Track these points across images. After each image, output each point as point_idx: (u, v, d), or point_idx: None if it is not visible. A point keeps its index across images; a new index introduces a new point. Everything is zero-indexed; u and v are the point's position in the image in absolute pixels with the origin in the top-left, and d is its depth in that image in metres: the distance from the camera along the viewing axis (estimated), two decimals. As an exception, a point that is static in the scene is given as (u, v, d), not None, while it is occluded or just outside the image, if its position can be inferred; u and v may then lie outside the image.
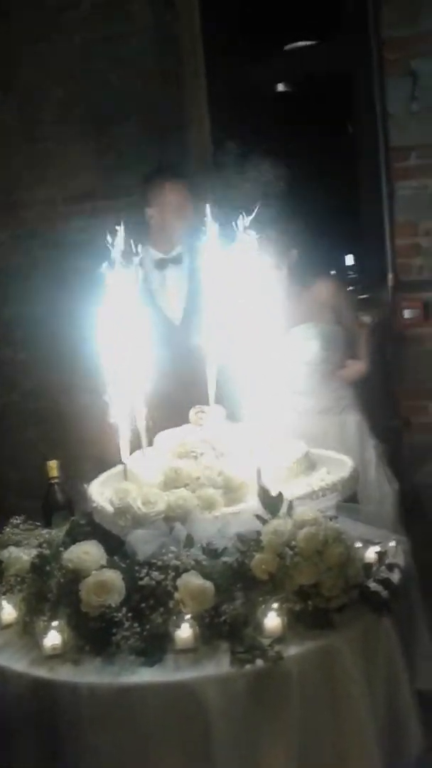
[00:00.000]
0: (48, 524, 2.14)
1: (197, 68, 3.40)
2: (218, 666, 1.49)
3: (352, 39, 3.30)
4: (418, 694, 1.67)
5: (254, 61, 3.67)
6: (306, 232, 2.78)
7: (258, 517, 1.73)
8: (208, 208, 2.30)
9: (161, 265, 2.92)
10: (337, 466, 2.14)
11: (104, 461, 2.99)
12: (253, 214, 2.80)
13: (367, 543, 1.79)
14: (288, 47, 4.49)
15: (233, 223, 2.68)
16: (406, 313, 3.05)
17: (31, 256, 3.61)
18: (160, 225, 2.91)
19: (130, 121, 3.43)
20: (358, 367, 2.75)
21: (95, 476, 2.29)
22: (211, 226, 2.25)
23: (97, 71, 3.42)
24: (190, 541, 1.72)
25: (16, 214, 3.63)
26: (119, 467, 2.25)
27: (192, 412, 2.19)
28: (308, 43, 4.66)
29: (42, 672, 1.54)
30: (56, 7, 3.44)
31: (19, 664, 1.59)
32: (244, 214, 2.84)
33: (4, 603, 1.78)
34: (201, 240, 2.60)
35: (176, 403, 2.61)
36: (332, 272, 3.30)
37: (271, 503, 1.76)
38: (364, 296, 3.24)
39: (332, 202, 3.45)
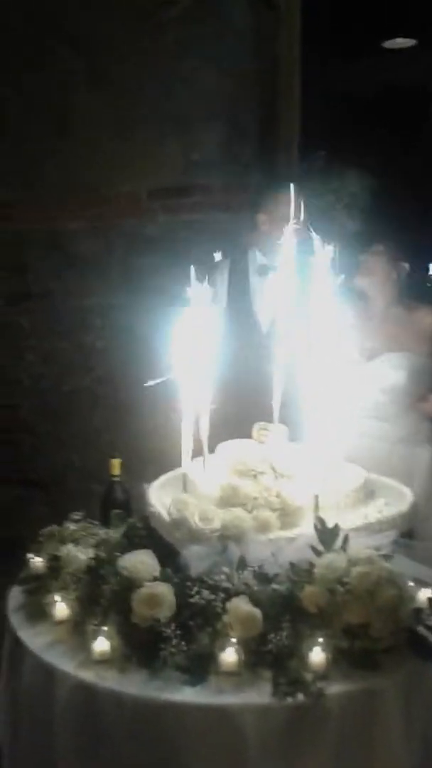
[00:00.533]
0: (105, 521, 2.21)
1: (293, 71, 3.36)
2: (260, 695, 1.52)
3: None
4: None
5: (349, 64, 3.62)
6: (411, 247, 2.70)
7: (312, 548, 1.74)
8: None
9: (263, 270, 2.93)
10: (396, 497, 2.12)
11: (165, 456, 3.05)
12: (351, 226, 2.79)
13: (420, 583, 1.77)
14: (386, 44, 4.40)
15: (322, 234, 2.68)
16: None
17: (112, 248, 3.67)
18: (269, 233, 2.93)
19: (220, 120, 3.42)
20: None
21: (155, 473, 2.34)
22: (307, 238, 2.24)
23: (190, 69, 3.42)
24: (242, 564, 1.75)
25: (100, 205, 3.68)
26: (179, 471, 2.29)
27: (255, 429, 2.21)
28: (407, 41, 4.55)
29: (88, 676, 1.59)
30: (155, 1, 3.45)
31: (67, 664, 1.64)
32: (340, 225, 2.82)
33: (58, 599, 1.84)
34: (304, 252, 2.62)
35: (246, 406, 2.65)
36: None
37: (327, 535, 1.76)
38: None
39: (417, 213, 3.37)
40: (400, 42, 4.46)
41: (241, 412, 2.63)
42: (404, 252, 2.62)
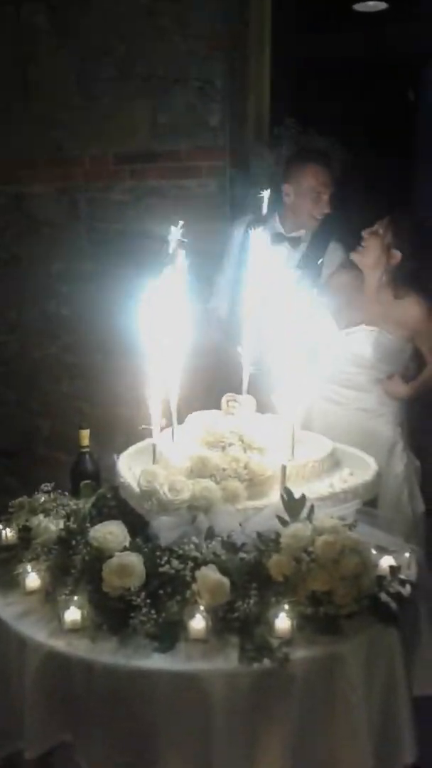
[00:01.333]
0: (75, 492, 2.23)
1: (263, 34, 3.31)
2: (227, 660, 1.57)
3: (426, 16, 3.18)
4: (417, 700, 1.74)
5: (321, 30, 3.57)
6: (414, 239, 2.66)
7: (279, 518, 1.78)
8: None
9: (277, 239, 2.92)
10: (361, 466, 2.17)
11: (134, 425, 3.06)
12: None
13: (382, 551, 1.83)
14: (357, 7, 4.34)
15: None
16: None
17: (78, 212, 3.62)
18: (292, 204, 2.93)
19: (189, 84, 3.37)
20: (400, 388, 2.67)
21: (124, 442, 2.35)
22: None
23: (161, 30, 3.35)
24: (211, 533, 1.78)
25: (66, 168, 3.62)
26: (148, 442, 2.31)
27: (223, 400, 2.23)
28: (379, 4, 4.49)
29: (60, 645, 1.63)
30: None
31: (39, 633, 1.67)
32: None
33: (29, 570, 1.86)
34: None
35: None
36: None
37: (293, 506, 1.80)
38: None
39: (387, 183, 3.37)
40: (372, 5, 4.41)
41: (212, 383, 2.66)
42: (405, 242, 2.59)
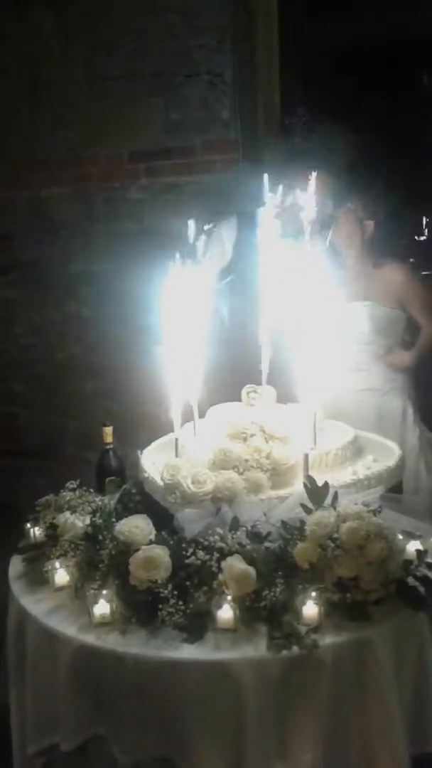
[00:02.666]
0: (101, 489, 2.25)
1: (271, 26, 3.29)
2: (256, 649, 1.57)
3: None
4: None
5: (328, 20, 3.55)
6: (384, 205, 2.73)
7: (303, 506, 1.78)
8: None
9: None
10: (384, 453, 2.16)
11: (157, 421, 3.08)
12: (333, 183, 2.77)
13: (408, 536, 1.82)
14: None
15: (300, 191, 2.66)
16: None
17: (95, 212, 3.65)
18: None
19: (198, 78, 3.37)
20: (402, 358, 2.72)
21: (148, 438, 2.37)
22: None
23: (168, 26, 3.36)
24: (235, 524, 1.79)
25: (81, 169, 3.64)
26: (171, 436, 2.32)
27: (244, 392, 2.23)
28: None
29: (90, 639, 1.65)
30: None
31: (69, 628, 1.70)
32: (316, 183, 2.80)
33: (58, 566, 1.88)
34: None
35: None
36: (411, 260, 3.21)
37: (317, 493, 1.80)
38: (427, 273, 3.18)
39: (403, 173, 3.35)
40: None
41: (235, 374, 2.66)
42: (375, 211, 2.64)
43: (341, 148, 2.86)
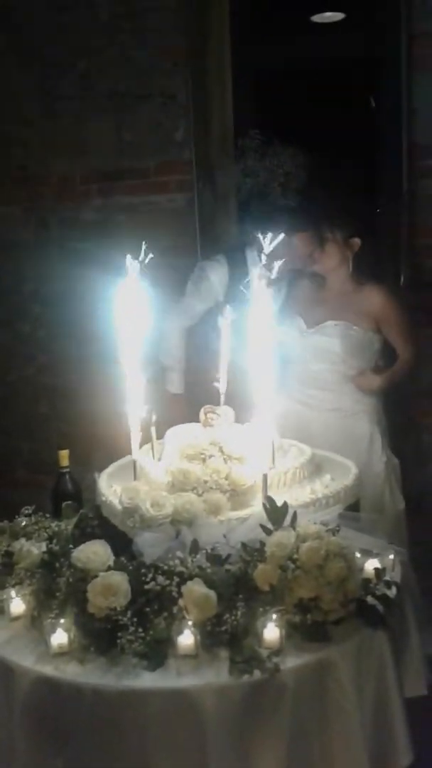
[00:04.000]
0: (57, 513, 2.21)
1: (223, 48, 3.33)
2: (217, 674, 1.55)
3: (381, 26, 3.22)
4: (407, 701, 1.74)
5: (279, 41, 3.60)
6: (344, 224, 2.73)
7: (263, 527, 1.78)
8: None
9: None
10: (341, 471, 2.18)
11: (113, 443, 3.04)
12: (286, 205, 2.80)
13: (367, 554, 1.84)
14: (315, 18, 4.38)
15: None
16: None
17: (48, 233, 3.62)
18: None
19: (152, 99, 3.39)
20: (372, 380, 2.68)
21: (104, 459, 2.34)
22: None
23: (120, 46, 3.37)
24: (195, 547, 1.78)
25: (32, 188, 3.61)
26: (128, 459, 2.30)
27: (202, 413, 2.23)
28: (336, 15, 4.55)
29: (48, 669, 1.61)
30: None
31: (26, 659, 1.65)
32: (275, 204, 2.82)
33: (14, 595, 1.84)
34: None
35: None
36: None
37: (276, 513, 1.80)
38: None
39: (350, 194, 3.41)
40: (329, 16, 4.46)
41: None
42: (354, 227, 2.67)
43: (294, 168, 2.90)
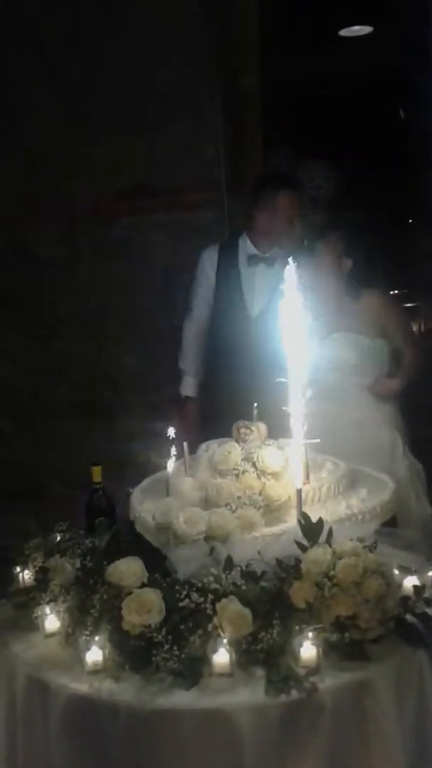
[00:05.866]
0: (90, 530, 2.21)
1: (252, 64, 3.36)
2: (253, 693, 1.53)
3: (411, 37, 3.22)
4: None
5: (309, 55, 3.62)
6: (361, 239, 2.76)
7: (298, 543, 1.75)
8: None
9: (253, 261, 2.99)
10: (377, 486, 2.15)
11: (146, 458, 3.04)
12: (317, 218, 2.83)
13: (405, 571, 1.80)
14: (343, 32, 4.40)
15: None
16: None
17: (80, 251, 3.66)
18: (263, 226, 2.96)
19: (182, 117, 3.42)
20: (391, 385, 2.69)
21: (137, 476, 2.34)
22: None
23: (152, 63, 3.41)
24: (229, 564, 1.75)
25: (65, 207, 3.66)
26: (161, 474, 2.30)
27: (235, 428, 2.22)
28: (364, 29, 4.56)
29: (83, 687, 1.59)
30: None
31: (61, 677, 1.64)
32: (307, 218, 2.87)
33: (48, 612, 1.83)
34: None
35: (235, 393, 2.68)
36: (393, 291, 3.23)
37: (311, 530, 1.77)
38: (411, 305, 3.20)
39: (382, 206, 3.40)
40: (357, 29, 4.48)
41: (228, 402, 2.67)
42: (350, 246, 2.68)
43: (324, 183, 2.91)
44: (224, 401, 2.85)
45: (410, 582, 1.74)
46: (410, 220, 3.32)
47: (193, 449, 2.25)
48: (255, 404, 2.25)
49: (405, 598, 1.69)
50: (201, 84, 3.39)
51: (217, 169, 3.36)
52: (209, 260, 3.03)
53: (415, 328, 3.19)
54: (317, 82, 3.96)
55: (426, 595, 1.70)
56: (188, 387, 3.09)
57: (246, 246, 3.00)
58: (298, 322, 2.04)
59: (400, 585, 1.73)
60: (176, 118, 3.42)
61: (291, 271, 2.02)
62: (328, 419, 2.64)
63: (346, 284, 2.70)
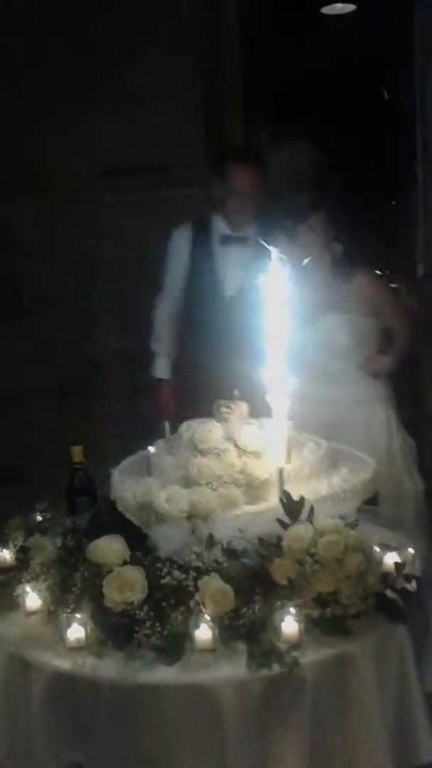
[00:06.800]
0: (71, 509, 2.20)
1: (233, 45, 3.33)
2: (235, 668, 1.54)
3: (393, 21, 3.20)
4: (428, 696, 1.71)
5: (292, 38, 3.59)
6: (349, 220, 2.75)
7: (279, 521, 1.76)
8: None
9: (226, 240, 2.95)
10: (359, 465, 2.16)
11: (127, 438, 3.03)
12: (299, 199, 2.82)
13: (385, 548, 1.81)
14: (325, 9, 4.36)
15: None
16: (436, 304, 3.02)
17: (60, 229, 3.61)
18: (230, 203, 2.92)
19: (164, 97, 3.38)
20: (385, 362, 2.72)
21: (119, 456, 2.33)
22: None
23: (131, 43, 3.37)
24: (211, 541, 1.76)
25: (46, 185, 3.60)
26: (142, 454, 2.29)
27: (216, 407, 2.21)
28: (347, 7, 4.53)
29: (65, 664, 1.60)
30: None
31: (42, 654, 1.64)
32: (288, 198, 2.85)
33: (29, 591, 1.83)
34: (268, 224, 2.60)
35: (215, 375, 2.68)
36: (379, 272, 3.22)
37: (293, 508, 1.78)
38: (394, 285, 3.21)
39: (365, 188, 3.40)
40: (340, 7, 4.44)
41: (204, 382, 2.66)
42: (338, 229, 2.68)
43: (305, 163, 2.89)
44: (200, 382, 2.83)
45: (391, 558, 1.76)
46: (393, 202, 3.32)
47: (172, 430, 2.25)
48: (235, 391, 2.25)
49: (385, 575, 1.71)
50: (183, 62, 3.35)
51: (199, 147, 3.32)
52: (182, 239, 2.97)
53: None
54: (301, 61, 3.93)
55: (406, 571, 1.72)
56: (161, 368, 3.06)
57: (219, 226, 2.96)
58: (281, 302, 2.05)
59: (380, 561, 1.75)
60: (158, 95, 3.38)
61: (272, 252, 2.01)
62: (322, 400, 2.68)
63: (336, 265, 2.68)
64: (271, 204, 2.92)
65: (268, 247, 2.00)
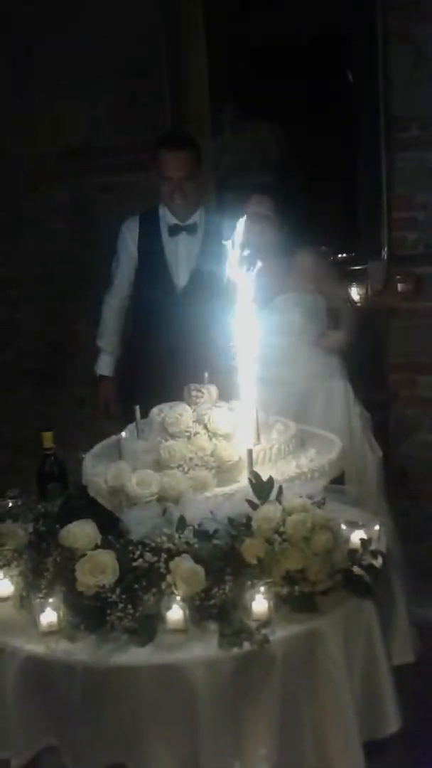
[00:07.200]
0: (43, 495, 2.20)
1: (196, 23, 3.30)
2: (207, 648, 1.56)
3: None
4: (395, 669, 1.76)
5: (254, 15, 3.56)
6: (298, 202, 2.77)
7: (249, 501, 1.78)
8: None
9: (174, 230, 2.92)
10: (326, 445, 2.20)
11: (97, 423, 3.03)
12: (264, 179, 2.81)
13: (352, 525, 1.85)
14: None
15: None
16: (399, 287, 3.06)
17: (21, 213, 3.57)
18: (162, 189, 2.88)
19: (125, 76, 3.34)
20: (337, 337, 2.77)
21: (89, 442, 2.34)
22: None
23: (92, 22, 3.31)
24: (182, 523, 1.78)
25: (5, 168, 3.55)
26: (113, 439, 2.30)
27: (186, 391, 2.22)
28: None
29: (39, 649, 1.61)
30: None
31: (15, 639, 1.65)
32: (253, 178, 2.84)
33: (1, 576, 1.83)
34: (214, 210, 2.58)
35: (171, 365, 2.68)
36: (322, 247, 3.27)
37: (262, 488, 1.81)
38: (358, 268, 3.24)
39: (328, 168, 3.40)
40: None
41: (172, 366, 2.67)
42: (284, 210, 2.68)
43: (271, 143, 2.89)
44: (154, 374, 2.83)
45: (357, 536, 1.80)
46: (354, 183, 3.34)
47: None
48: (206, 373, 2.26)
49: (352, 552, 1.74)
50: (145, 42, 3.30)
51: (163, 129, 3.29)
52: (129, 232, 2.93)
53: (363, 291, 3.24)
54: (265, 40, 3.89)
55: (372, 547, 1.76)
56: (105, 365, 3.04)
57: (166, 215, 2.91)
58: (234, 288, 2.07)
59: (347, 539, 1.78)
60: (120, 76, 3.34)
61: (222, 239, 2.02)
62: (283, 380, 2.71)
63: (279, 245, 2.70)
64: (234, 184, 2.91)
65: (218, 233, 2.00)
